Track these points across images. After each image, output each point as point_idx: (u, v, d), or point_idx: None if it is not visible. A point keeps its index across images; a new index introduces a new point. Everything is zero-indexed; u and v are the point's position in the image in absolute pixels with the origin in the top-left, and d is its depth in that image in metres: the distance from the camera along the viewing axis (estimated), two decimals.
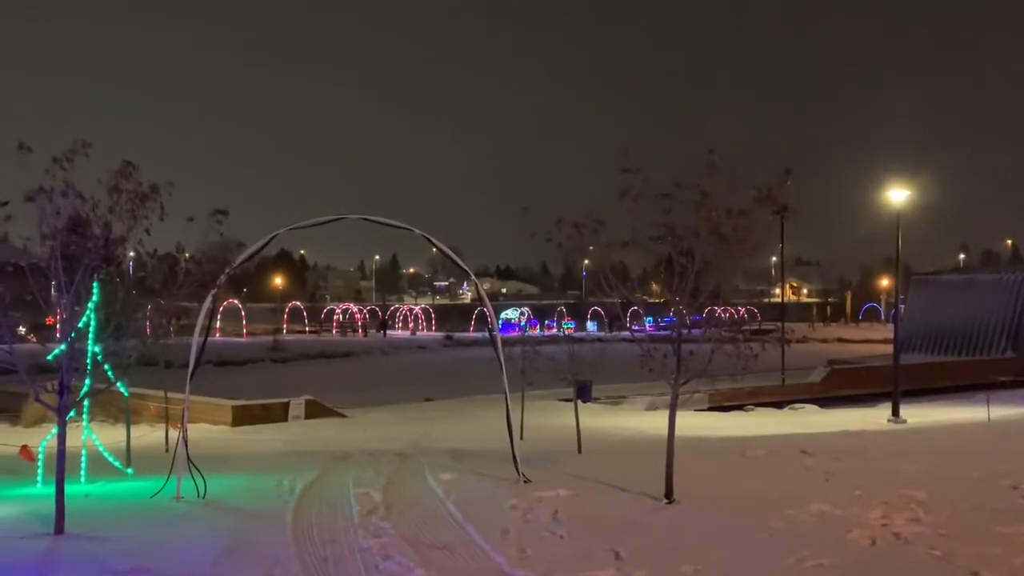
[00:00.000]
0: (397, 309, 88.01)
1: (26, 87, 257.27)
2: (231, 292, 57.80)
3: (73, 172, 8.93)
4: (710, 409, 26.70)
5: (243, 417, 20.83)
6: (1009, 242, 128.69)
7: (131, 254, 10.36)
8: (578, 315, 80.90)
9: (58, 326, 9.79)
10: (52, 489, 9.14)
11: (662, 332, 11.24)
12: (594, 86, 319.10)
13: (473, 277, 14.09)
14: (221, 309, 51.25)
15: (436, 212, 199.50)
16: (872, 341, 63.34)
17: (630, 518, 9.36)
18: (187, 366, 11.33)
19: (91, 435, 12.44)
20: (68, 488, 9.19)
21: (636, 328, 11.03)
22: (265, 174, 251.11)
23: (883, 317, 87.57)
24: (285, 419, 21.47)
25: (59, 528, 8.83)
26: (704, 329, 10.59)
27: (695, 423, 20.00)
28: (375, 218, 12.64)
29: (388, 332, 73.14)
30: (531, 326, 61.30)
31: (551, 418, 20.15)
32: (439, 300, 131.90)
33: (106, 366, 10.69)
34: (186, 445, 11.05)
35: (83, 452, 12.04)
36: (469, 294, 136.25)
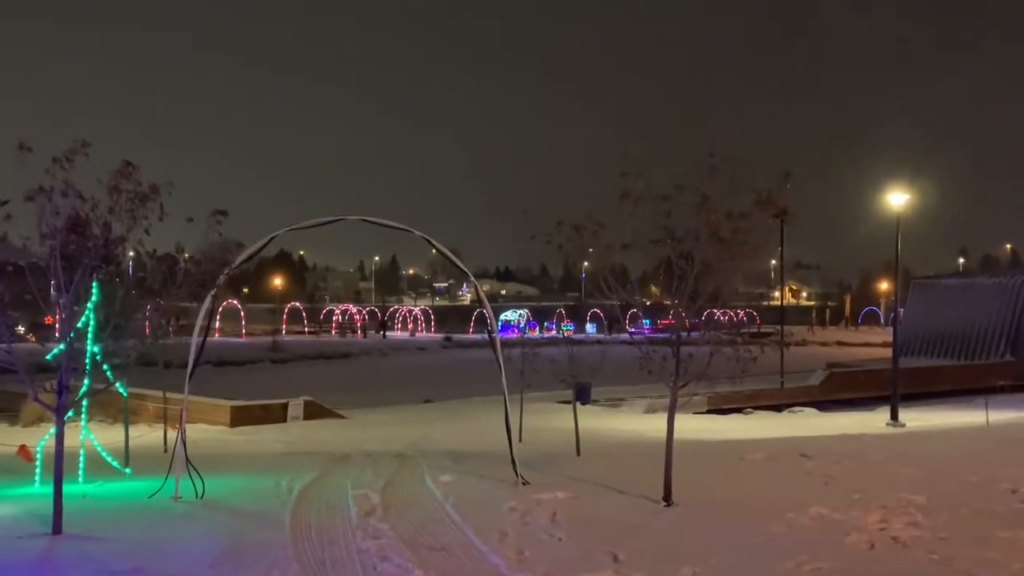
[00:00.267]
0: (396, 310, 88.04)
1: (26, 87, 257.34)
2: (230, 292, 57.79)
3: (73, 172, 8.92)
4: (709, 412, 26.69)
5: (242, 418, 20.81)
6: (1008, 246, 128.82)
7: (130, 254, 10.35)
8: (577, 317, 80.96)
9: (57, 326, 9.79)
10: (50, 489, 9.12)
11: (658, 334, 11.24)
12: (594, 86, 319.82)
13: (472, 279, 14.09)
14: (220, 309, 51.24)
15: (436, 213, 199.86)
16: (871, 345, 63.44)
17: (629, 521, 9.35)
18: (186, 366, 11.32)
19: (89, 435, 12.43)
20: (66, 488, 9.18)
21: (633, 331, 11.04)
22: (265, 174, 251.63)
23: (882, 320, 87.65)
24: (284, 420, 21.45)
25: (57, 528, 8.82)
26: (703, 332, 10.60)
27: (694, 426, 19.98)
28: (374, 219, 12.64)
29: (387, 333, 73.15)
30: (530, 328, 61.25)
31: (550, 420, 20.14)
32: (438, 301, 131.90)
33: (105, 366, 10.69)
34: (184, 445, 11.04)
35: (81, 452, 12.02)
36: (468, 295, 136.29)
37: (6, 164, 8.82)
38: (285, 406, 21.84)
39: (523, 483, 11.46)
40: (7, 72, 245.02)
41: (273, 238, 12.05)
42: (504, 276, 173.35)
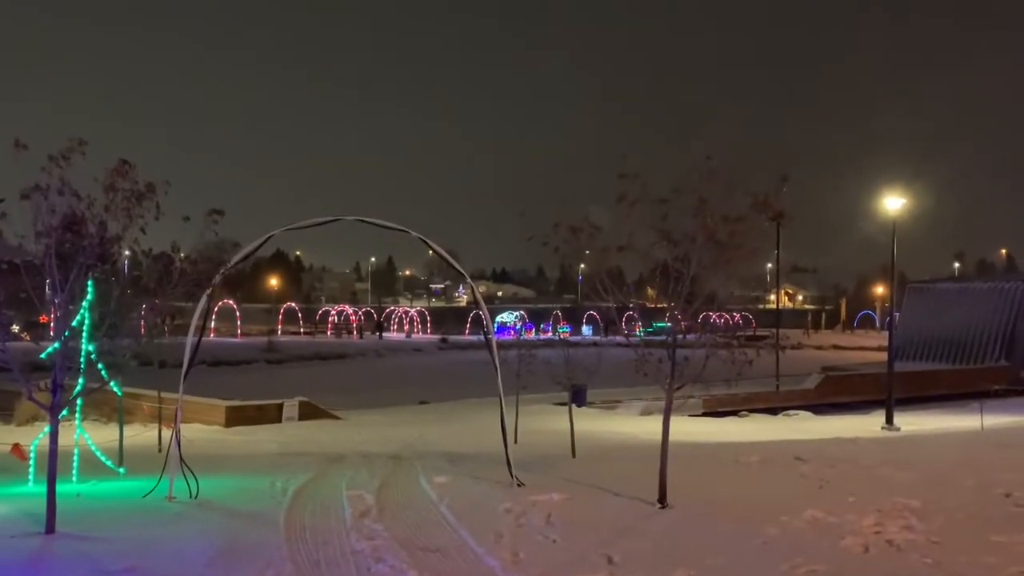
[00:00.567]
0: (393, 311, 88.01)
1: (26, 87, 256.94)
2: (226, 292, 57.74)
3: (69, 170, 8.91)
4: (704, 415, 26.72)
5: (237, 418, 20.79)
6: (1004, 251, 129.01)
7: (126, 253, 10.32)
8: (574, 319, 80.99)
9: (52, 324, 9.76)
10: (44, 488, 9.10)
11: (651, 336, 11.25)
12: (594, 86, 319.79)
13: (469, 280, 14.09)
14: (216, 309, 51.31)
15: (433, 214, 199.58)
16: (866, 348, 63.53)
17: (624, 523, 9.35)
18: (181, 366, 11.30)
19: (83, 434, 12.40)
20: (60, 487, 9.16)
21: (627, 333, 11.05)
22: (264, 174, 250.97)
23: (878, 324, 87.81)
24: (279, 420, 21.43)
25: (50, 527, 8.79)
26: (699, 334, 10.61)
27: (689, 428, 20.00)
28: (371, 220, 12.63)
29: (383, 334, 73.11)
30: (527, 329, 61.29)
31: (545, 422, 20.15)
32: (435, 303, 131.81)
33: (100, 365, 10.66)
34: (179, 445, 11.02)
35: (75, 451, 12.00)
36: (465, 297, 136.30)
37: (2, 161, 8.81)
38: (280, 406, 21.82)
39: (518, 485, 11.45)
40: (7, 72, 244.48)
41: (270, 238, 12.04)
42: (501, 278, 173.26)
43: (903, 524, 9.20)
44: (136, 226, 9.49)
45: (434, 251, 12.87)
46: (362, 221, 12.64)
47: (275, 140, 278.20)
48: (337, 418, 22.64)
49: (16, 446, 12.14)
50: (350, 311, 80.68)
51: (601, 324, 71.63)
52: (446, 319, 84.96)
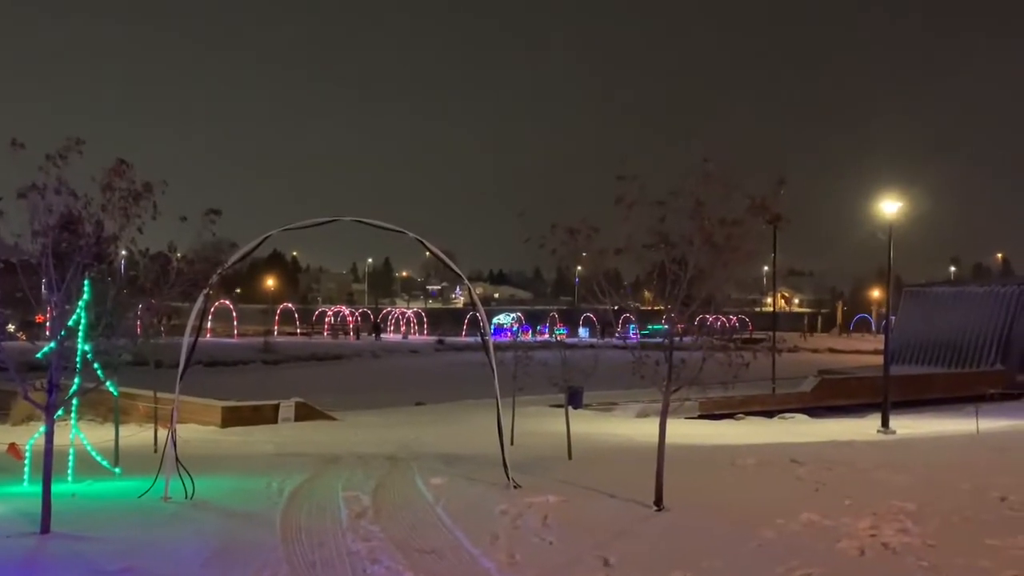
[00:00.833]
0: (389, 312, 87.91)
1: (25, 86, 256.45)
2: (223, 292, 57.68)
3: (66, 169, 8.90)
4: (701, 417, 26.76)
5: (233, 418, 20.78)
6: (1000, 255, 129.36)
7: (123, 253, 10.32)
8: (570, 321, 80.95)
9: (48, 324, 9.75)
10: (39, 488, 9.08)
11: (647, 339, 11.25)
12: (594, 86, 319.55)
13: (466, 281, 14.11)
14: (212, 309, 51.23)
15: (432, 215, 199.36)
16: (862, 352, 63.63)
17: (620, 525, 9.35)
18: (177, 366, 11.29)
19: (79, 434, 12.38)
20: (55, 487, 9.14)
21: (619, 335, 11.06)
22: (264, 174, 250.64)
23: (874, 328, 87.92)
24: (275, 421, 21.43)
25: (45, 527, 8.77)
26: (696, 337, 10.61)
27: (686, 431, 20.01)
28: (369, 220, 12.63)
29: (380, 335, 73.04)
30: (523, 331, 61.26)
31: (542, 424, 20.15)
32: (432, 304, 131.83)
33: (96, 365, 10.64)
34: (175, 445, 11.00)
35: (71, 451, 11.97)
36: (462, 298, 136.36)
37: (0, 161, 8.79)
38: (276, 407, 21.82)
39: (514, 486, 11.45)
40: (7, 72, 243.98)
41: (267, 238, 12.04)
42: (498, 279, 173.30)
43: (899, 527, 9.20)
44: (133, 226, 9.49)
45: (431, 252, 12.88)
46: (359, 222, 12.65)
47: (275, 140, 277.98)
48: (333, 419, 22.64)
49: (12, 445, 12.12)
50: (347, 312, 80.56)
51: (598, 326, 71.64)
52: (443, 320, 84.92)
